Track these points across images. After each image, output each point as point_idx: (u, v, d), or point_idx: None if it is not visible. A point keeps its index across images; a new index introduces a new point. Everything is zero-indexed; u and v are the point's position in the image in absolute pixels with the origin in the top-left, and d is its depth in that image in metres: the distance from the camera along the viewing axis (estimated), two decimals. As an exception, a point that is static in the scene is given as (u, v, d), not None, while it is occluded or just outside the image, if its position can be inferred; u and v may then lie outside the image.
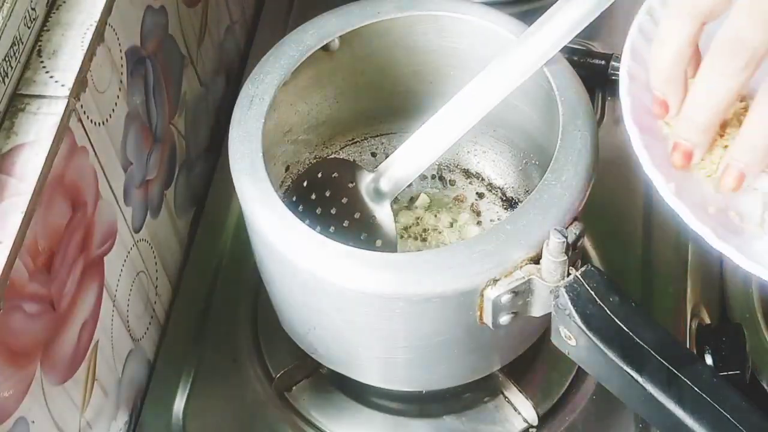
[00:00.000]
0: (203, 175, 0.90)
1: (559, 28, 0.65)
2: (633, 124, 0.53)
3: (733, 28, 0.45)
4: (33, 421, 0.60)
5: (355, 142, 0.82)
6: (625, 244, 0.82)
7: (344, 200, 0.73)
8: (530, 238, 0.60)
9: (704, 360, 0.74)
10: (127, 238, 0.73)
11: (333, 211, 0.73)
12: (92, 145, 0.65)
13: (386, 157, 0.72)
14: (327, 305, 0.64)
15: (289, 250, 0.62)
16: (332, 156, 0.81)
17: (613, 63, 0.90)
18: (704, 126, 0.48)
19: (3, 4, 0.59)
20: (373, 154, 0.83)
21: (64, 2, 0.65)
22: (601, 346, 0.57)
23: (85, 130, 0.63)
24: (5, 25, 0.59)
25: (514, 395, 0.75)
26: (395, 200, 0.74)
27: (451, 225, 0.79)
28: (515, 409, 0.75)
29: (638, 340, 0.57)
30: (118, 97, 0.69)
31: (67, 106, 0.60)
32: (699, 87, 0.48)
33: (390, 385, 0.72)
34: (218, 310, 0.82)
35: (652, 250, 0.81)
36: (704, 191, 0.52)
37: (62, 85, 0.61)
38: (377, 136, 0.83)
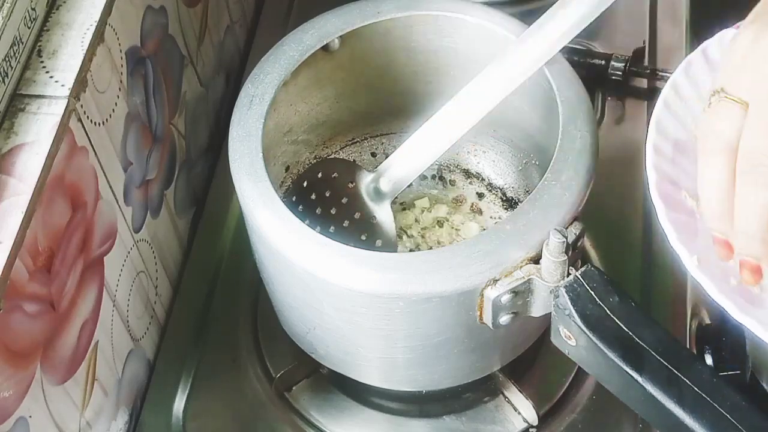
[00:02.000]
0: (203, 175, 0.90)
1: (558, 28, 0.65)
2: (659, 197, 0.54)
3: (751, 143, 0.48)
4: (33, 421, 0.60)
5: (355, 142, 0.82)
6: (625, 244, 0.82)
7: (344, 200, 0.73)
8: (530, 238, 0.60)
9: (704, 360, 0.74)
10: (127, 238, 0.73)
11: (333, 211, 0.73)
12: (92, 145, 0.65)
13: (386, 157, 0.72)
14: (327, 305, 0.64)
15: (289, 250, 0.62)
16: (332, 156, 0.81)
17: (613, 63, 0.90)
18: (760, 238, 0.49)
19: (3, 4, 0.59)
20: (373, 154, 0.83)
21: (64, 2, 0.65)
22: (601, 346, 0.57)
23: (85, 130, 0.64)
24: (5, 25, 0.59)
25: (514, 395, 0.75)
26: (395, 200, 0.74)
27: (451, 225, 0.79)
28: (515, 409, 0.75)
29: (638, 340, 0.57)
30: (118, 97, 0.69)
31: (67, 106, 0.60)
32: (741, 203, 0.49)
33: (390, 385, 0.72)
34: (218, 310, 0.82)
35: (652, 250, 0.81)
36: (726, 263, 0.53)
37: (62, 85, 0.61)
38: (377, 136, 0.83)
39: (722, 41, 0.61)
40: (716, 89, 0.50)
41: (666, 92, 0.60)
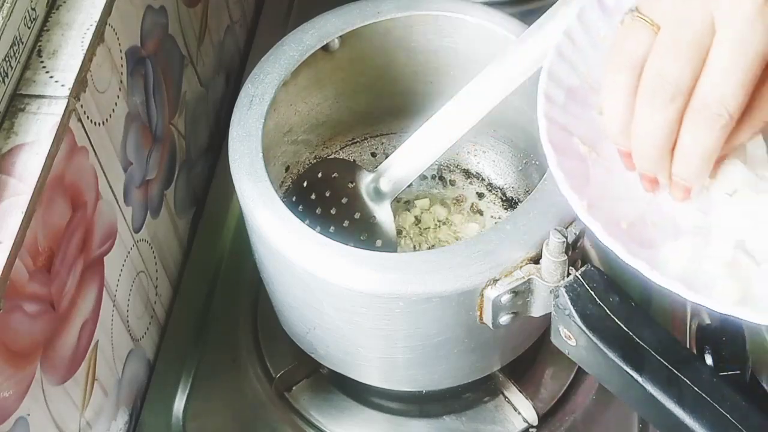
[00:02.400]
0: (203, 175, 0.90)
1: (558, 28, 0.65)
2: (549, 145, 0.54)
3: (655, 66, 0.48)
4: (33, 421, 0.60)
5: (355, 142, 0.82)
6: (625, 244, 0.82)
7: (344, 200, 0.73)
8: (530, 238, 0.60)
9: (704, 360, 0.74)
10: (127, 238, 0.73)
11: (333, 212, 0.73)
12: (92, 145, 0.65)
13: (386, 157, 0.72)
14: (327, 305, 0.64)
15: (289, 250, 0.62)
16: (332, 156, 0.81)
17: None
18: (653, 156, 0.50)
19: (3, 4, 0.59)
20: (373, 154, 0.83)
21: (64, 2, 0.65)
22: (601, 346, 0.57)
23: (85, 130, 0.64)
24: (5, 25, 0.59)
25: (514, 395, 0.75)
26: (395, 200, 0.74)
27: (451, 225, 0.79)
28: (515, 409, 0.75)
29: (638, 340, 0.57)
30: (118, 97, 0.69)
31: (67, 106, 0.60)
32: (637, 122, 0.50)
33: (390, 385, 0.72)
34: (218, 310, 0.82)
35: (652, 250, 0.81)
36: (617, 207, 0.53)
37: (62, 85, 0.61)
38: (377, 136, 0.83)
39: None
40: (631, 8, 0.50)
41: (559, 39, 0.58)
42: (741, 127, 0.48)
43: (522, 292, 0.60)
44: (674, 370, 0.56)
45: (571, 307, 0.58)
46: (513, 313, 0.62)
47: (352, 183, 0.73)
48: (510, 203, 0.80)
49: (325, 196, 0.74)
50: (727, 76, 0.47)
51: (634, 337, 0.57)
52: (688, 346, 0.76)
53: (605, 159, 0.55)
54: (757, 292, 0.50)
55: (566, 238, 0.57)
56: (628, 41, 0.50)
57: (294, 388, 0.78)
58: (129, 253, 0.73)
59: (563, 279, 0.59)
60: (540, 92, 0.56)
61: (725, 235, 0.52)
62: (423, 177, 0.81)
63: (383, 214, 0.72)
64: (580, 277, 0.59)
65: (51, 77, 0.61)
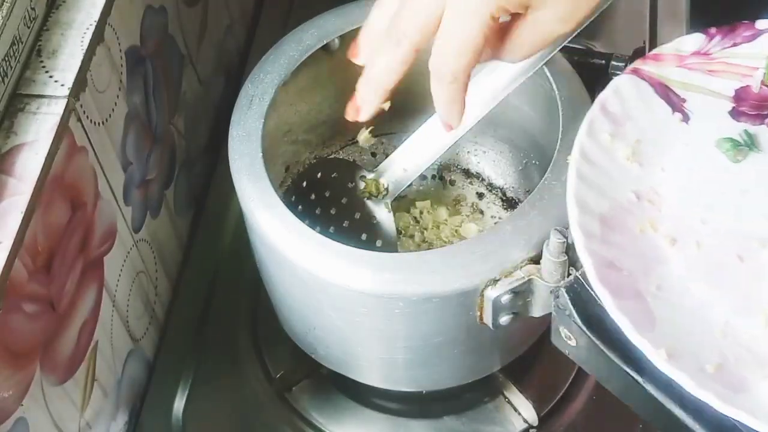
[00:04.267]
0: (203, 175, 0.90)
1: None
2: (602, 286, 0.49)
3: (392, 23, 0.55)
4: (32, 422, 0.60)
5: (355, 142, 0.82)
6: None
7: (344, 200, 0.73)
8: (530, 238, 0.60)
9: (704, 360, 0.74)
10: (127, 238, 0.73)
11: (333, 212, 0.73)
12: (92, 145, 0.65)
13: (386, 157, 0.72)
14: (327, 305, 0.64)
15: (289, 250, 0.62)
16: (332, 156, 0.81)
17: (613, 62, 0.90)
18: (373, 89, 0.58)
19: (3, 4, 0.59)
20: (373, 154, 0.82)
21: (64, 2, 0.65)
22: (602, 346, 0.57)
23: (84, 129, 0.63)
24: (5, 25, 0.59)
25: (514, 396, 0.75)
26: (396, 200, 0.74)
27: (451, 226, 0.79)
28: (515, 410, 0.75)
29: (638, 341, 0.56)
30: (117, 97, 0.69)
31: (66, 105, 0.60)
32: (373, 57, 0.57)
33: (390, 385, 0.72)
34: (218, 310, 0.82)
35: (652, 250, 0.81)
36: (695, 349, 0.48)
37: (62, 85, 0.61)
38: (377, 136, 0.82)
39: (618, 92, 0.59)
40: None
41: (576, 161, 0.54)
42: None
43: (522, 293, 0.60)
44: (675, 371, 0.55)
45: (572, 308, 0.58)
46: (513, 313, 0.61)
47: (351, 183, 0.73)
48: (510, 203, 0.80)
49: (325, 196, 0.74)
50: (451, 40, 0.53)
51: (635, 337, 0.57)
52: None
53: (661, 289, 0.50)
54: None
55: (566, 238, 0.57)
56: (377, 8, 0.58)
57: (294, 388, 0.78)
58: (129, 253, 0.73)
59: (563, 279, 0.59)
60: (574, 225, 0.52)
61: None
62: (423, 177, 0.81)
63: (383, 214, 0.72)
64: (580, 277, 0.59)
65: (50, 77, 0.61)
